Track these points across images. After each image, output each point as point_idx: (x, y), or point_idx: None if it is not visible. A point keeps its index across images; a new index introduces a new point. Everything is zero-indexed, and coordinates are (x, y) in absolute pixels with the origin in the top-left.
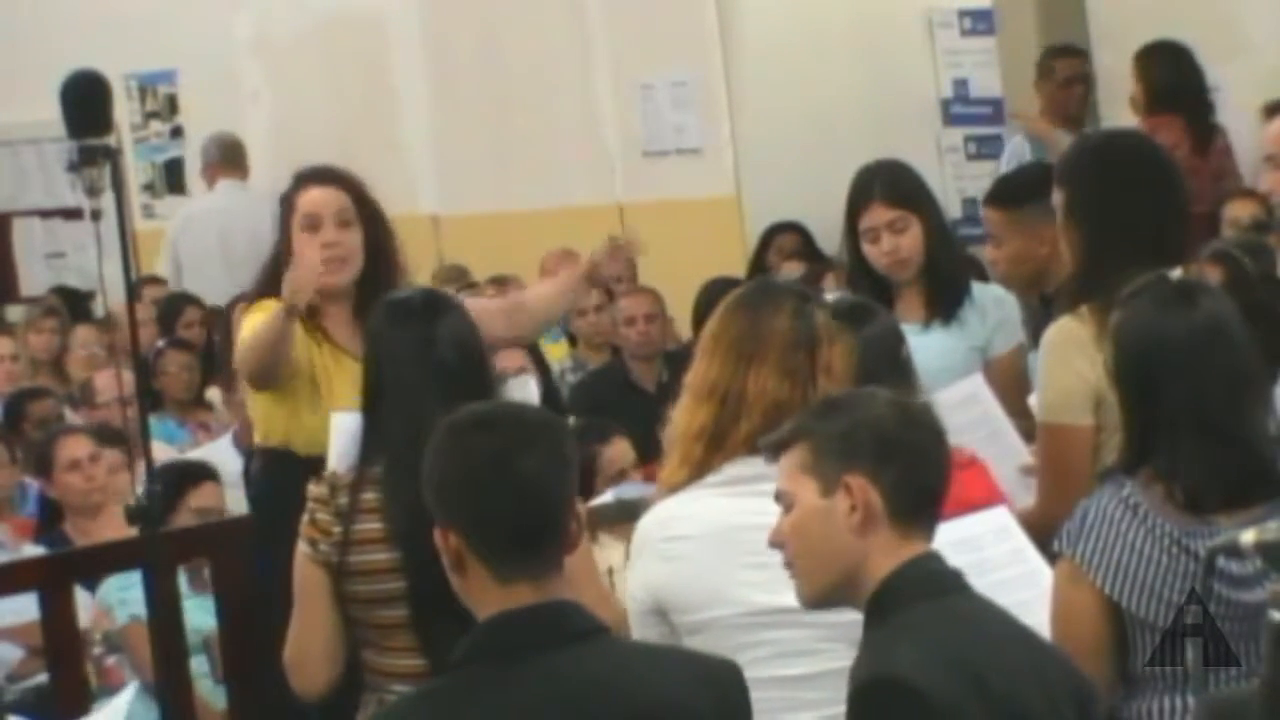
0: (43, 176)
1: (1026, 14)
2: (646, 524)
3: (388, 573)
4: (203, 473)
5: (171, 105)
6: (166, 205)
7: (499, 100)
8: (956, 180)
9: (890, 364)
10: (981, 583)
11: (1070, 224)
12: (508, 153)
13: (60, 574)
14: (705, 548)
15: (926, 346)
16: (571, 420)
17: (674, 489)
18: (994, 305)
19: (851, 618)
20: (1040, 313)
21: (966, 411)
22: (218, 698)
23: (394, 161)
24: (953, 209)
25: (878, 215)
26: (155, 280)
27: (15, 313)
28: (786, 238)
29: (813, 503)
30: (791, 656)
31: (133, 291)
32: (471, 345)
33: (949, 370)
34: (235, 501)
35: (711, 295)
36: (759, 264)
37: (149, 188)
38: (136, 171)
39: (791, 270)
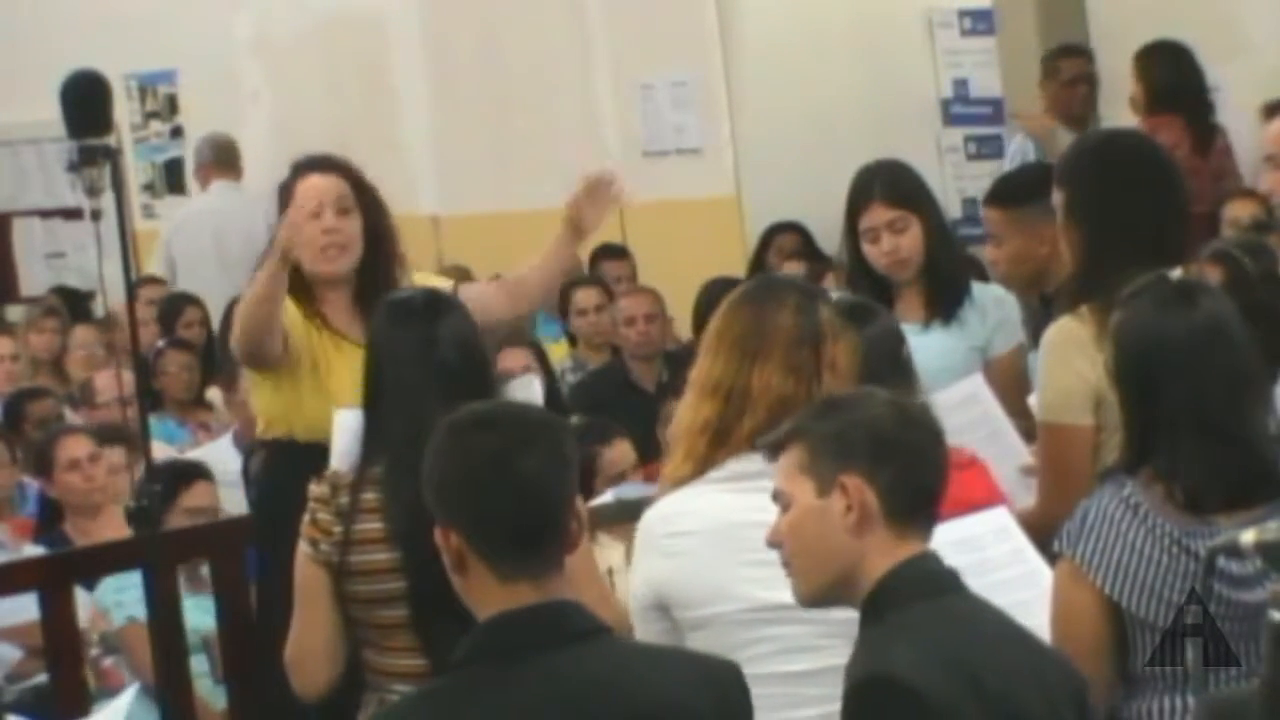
0: (43, 176)
1: (1026, 14)
2: (649, 520)
3: (388, 572)
4: (195, 472)
5: (171, 105)
6: (166, 205)
7: (499, 100)
8: (956, 180)
9: (891, 364)
10: (982, 583)
11: (1070, 224)
12: (508, 153)
13: (60, 574)
14: (708, 544)
15: (926, 346)
16: (574, 420)
17: (677, 484)
18: (994, 305)
19: (854, 614)
20: (1040, 313)
21: (967, 411)
22: (218, 698)
23: (394, 161)
24: (953, 209)
25: (878, 215)
26: (155, 280)
27: (15, 313)
28: (786, 238)
29: (809, 502)
30: (794, 653)
31: (133, 291)
32: (473, 345)
33: (949, 370)
34: (235, 501)
35: (711, 295)
36: (759, 264)
37: (149, 188)
38: (136, 171)
39: (791, 270)
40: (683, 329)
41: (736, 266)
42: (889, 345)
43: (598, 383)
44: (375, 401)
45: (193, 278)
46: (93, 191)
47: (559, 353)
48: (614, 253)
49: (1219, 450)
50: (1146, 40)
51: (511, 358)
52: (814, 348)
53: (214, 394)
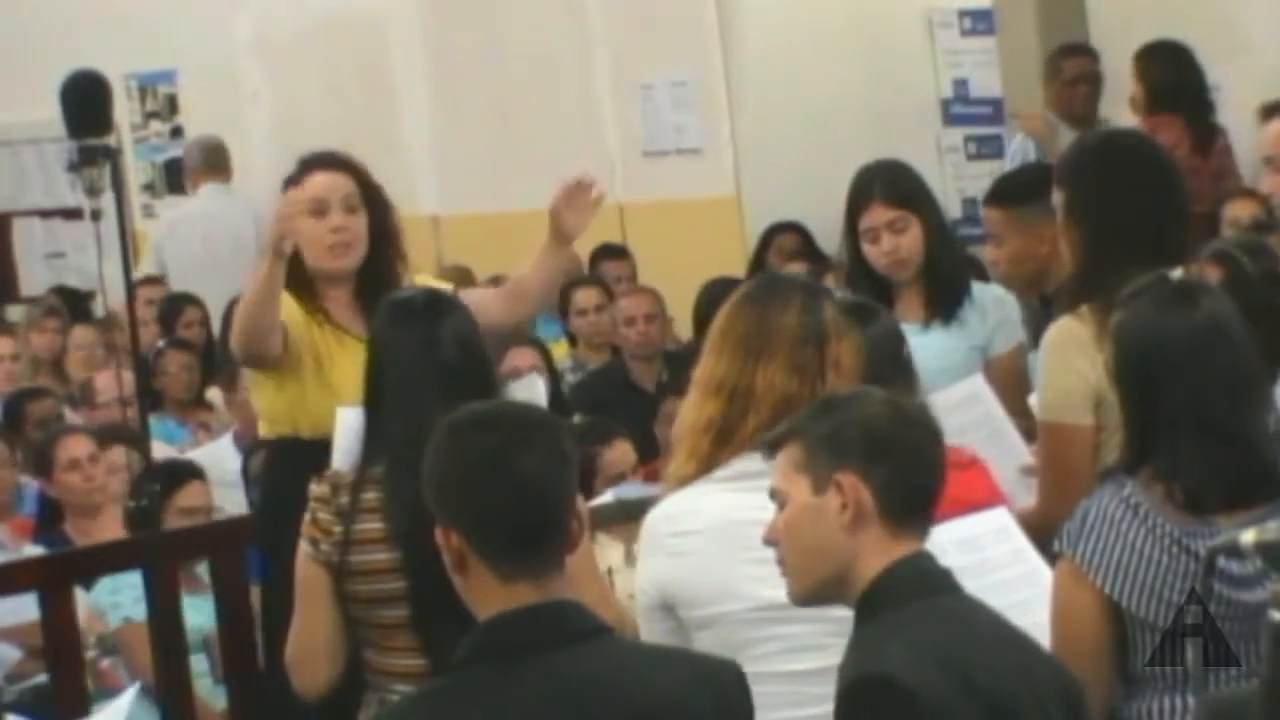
0: (43, 176)
1: (1026, 14)
2: (654, 519)
3: (388, 572)
4: (189, 472)
5: (171, 105)
6: (166, 205)
7: (499, 100)
8: (956, 180)
9: (893, 364)
10: (982, 583)
11: (1070, 224)
12: (508, 153)
13: (60, 574)
14: (712, 543)
15: (926, 346)
16: (575, 419)
17: (681, 483)
18: (994, 305)
19: None
20: (1040, 313)
21: (967, 411)
22: (218, 698)
23: (394, 161)
24: (953, 209)
25: (878, 215)
26: (155, 280)
27: (15, 313)
28: (786, 238)
29: (805, 500)
30: (799, 651)
31: (132, 291)
32: (474, 346)
33: (949, 370)
34: (235, 501)
35: (712, 295)
36: (759, 264)
37: (149, 188)
38: (136, 171)
39: (792, 270)
40: (683, 329)
41: (736, 266)
42: (890, 345)
43: (598, 383)
44: (376, 401)
45: (183, 281)
46: (93, 191)
47: (559, 353)
48: (614, 253)
49: (1219, 450)
50: (1146, 40)
51: (519, 356)
52: (818, 347)
53: (214, 394)
